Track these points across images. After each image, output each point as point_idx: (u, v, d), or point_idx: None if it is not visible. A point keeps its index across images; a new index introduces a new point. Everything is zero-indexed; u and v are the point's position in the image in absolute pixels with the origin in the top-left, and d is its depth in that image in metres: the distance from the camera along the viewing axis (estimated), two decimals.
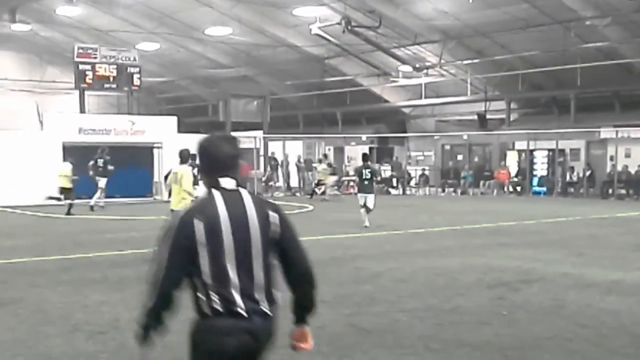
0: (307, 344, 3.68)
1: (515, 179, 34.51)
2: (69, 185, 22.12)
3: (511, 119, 37.39)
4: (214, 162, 3.53)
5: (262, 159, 34.86)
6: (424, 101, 39.62)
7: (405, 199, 33.14)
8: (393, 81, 39.23)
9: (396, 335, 7.41)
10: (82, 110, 31.14)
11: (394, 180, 37.86)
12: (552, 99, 36.23)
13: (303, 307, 3.62)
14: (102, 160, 24.21)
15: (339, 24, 31.32)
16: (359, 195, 19.47)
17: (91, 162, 24.11)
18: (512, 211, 24.03)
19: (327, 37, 32.99)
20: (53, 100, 45.21)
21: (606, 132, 31.59)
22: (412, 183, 38.67)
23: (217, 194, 3.46)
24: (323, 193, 30.55)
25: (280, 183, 36.30)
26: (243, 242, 3.38)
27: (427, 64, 36.08)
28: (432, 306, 8.81)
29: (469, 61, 35.01)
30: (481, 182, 35.52)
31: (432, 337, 7.30)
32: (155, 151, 29.47)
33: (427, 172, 38.84)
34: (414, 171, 39.36)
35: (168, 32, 37.45)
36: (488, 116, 36.95)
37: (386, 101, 41.70)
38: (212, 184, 3.51)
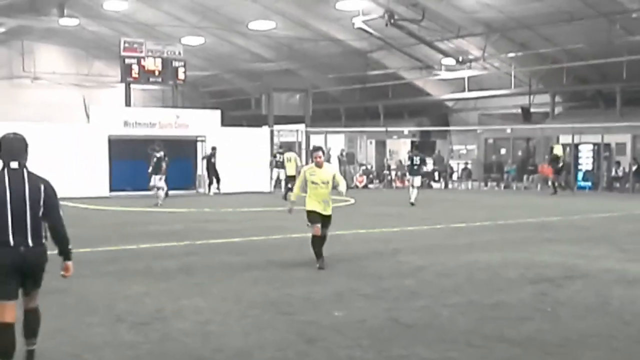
0: (67, 273, 5.81)
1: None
2: None
3: (555, 112, 36.91)
4: (7, 151, 5.52)
5: (304, 152, 34.91)
6: (467, 94, 39.28)
7: (448, 193, 32.97)
8: (436, 74, 38.97)
9: (437, 330, 7.39)
10: (128, 104, 31.55)
11: (436, 174, 37.68)
12: (597, 92, 35.65)
13: (60, 248, 5.71)
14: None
15: (381, 17, 31.19)
16: (408, 176, 24.53)
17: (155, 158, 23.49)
18: (556, 206, 23.74)
19: (370, 30, 32.88)
20: (99, 93, 45.85)
21: None
22: (455, 177, 38.45)
23: (6, 171, 5.48)
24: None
25: None
26: (19, 202, 5.42)
27: (471, 57, 35.78)
28: (474, 301, 8.75)
29: (513, 54, 34.62)
30: (525, 177, 35.16)
31: (473, 333, 7.25)
32: (198, 144, 29.72)
33: (469, 166, 38.59)
34: (457, 165, 39.13)
35: (212, 27, 37.70)
36: (532, 110, 36.49)
37: (429, 94, 41.46)
38: (5, 164, 5.50)
